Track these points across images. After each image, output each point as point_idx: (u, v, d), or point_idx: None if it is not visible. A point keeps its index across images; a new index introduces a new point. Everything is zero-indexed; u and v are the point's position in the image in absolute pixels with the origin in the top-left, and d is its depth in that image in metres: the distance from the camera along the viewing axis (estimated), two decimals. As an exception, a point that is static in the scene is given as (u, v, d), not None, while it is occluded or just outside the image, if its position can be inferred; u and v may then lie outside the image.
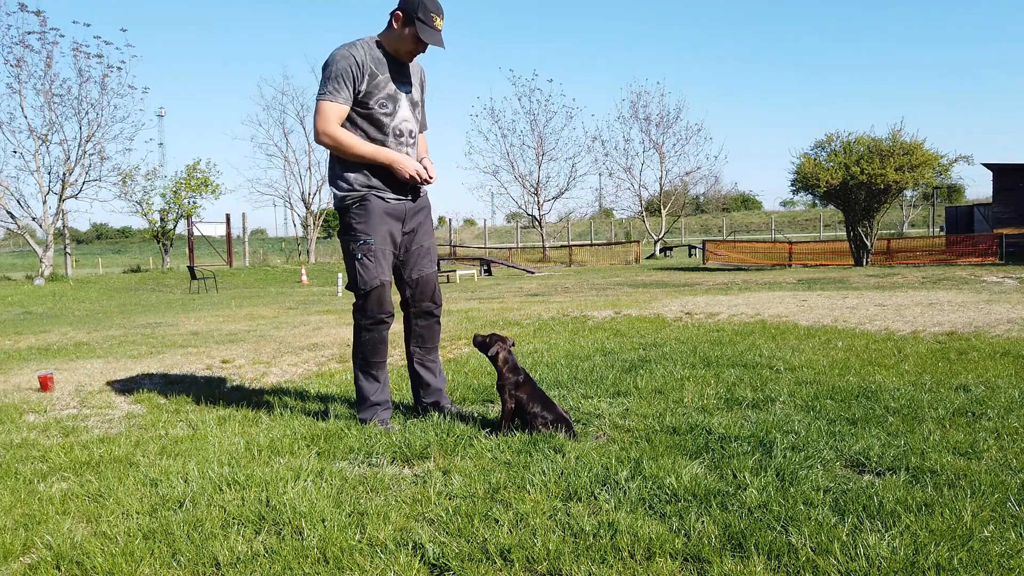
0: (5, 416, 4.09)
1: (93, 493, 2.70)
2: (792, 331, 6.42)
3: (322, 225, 36.77)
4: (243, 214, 68.88)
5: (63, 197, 25.01)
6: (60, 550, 2.18)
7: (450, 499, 2.52)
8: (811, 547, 2.04)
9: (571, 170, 39.13)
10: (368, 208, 3.47)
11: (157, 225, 30.88)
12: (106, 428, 3.80)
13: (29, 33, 23.80)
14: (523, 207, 40.14)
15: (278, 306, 12.50)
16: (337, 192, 3.52)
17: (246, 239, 31.60)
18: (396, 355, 5.54)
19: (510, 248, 38.47)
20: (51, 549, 2.20)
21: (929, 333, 6.12)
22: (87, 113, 25.26)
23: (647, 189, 41.28)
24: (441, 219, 64.70)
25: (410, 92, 3.59)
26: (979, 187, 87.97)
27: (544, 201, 38.97)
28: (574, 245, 36.19)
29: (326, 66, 3.39)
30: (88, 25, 59.40)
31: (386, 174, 3.49)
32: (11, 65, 23.76)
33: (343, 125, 3.42)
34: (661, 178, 40.41)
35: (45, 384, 4.87)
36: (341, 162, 3.49)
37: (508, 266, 27.68)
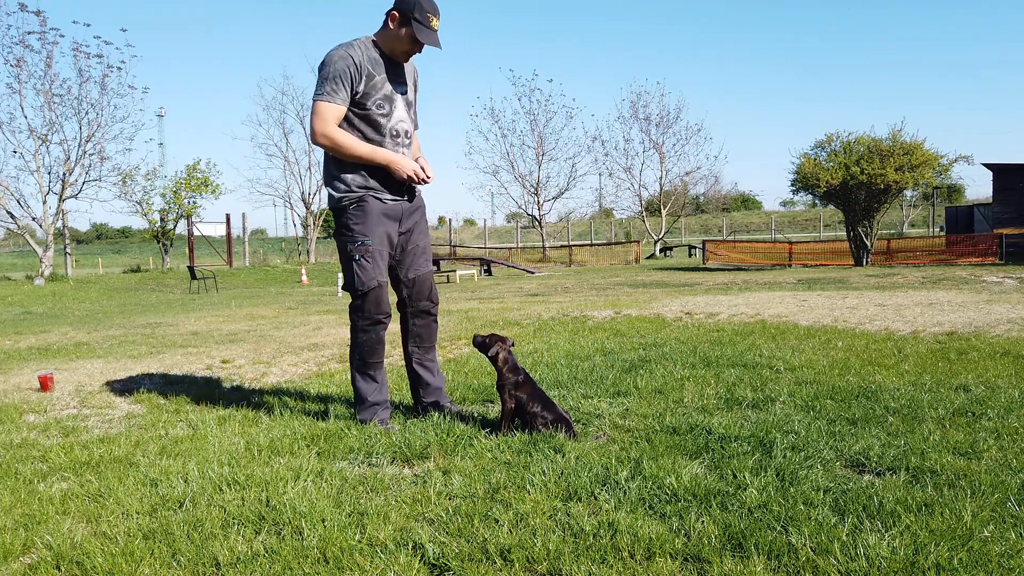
0: (5, 416, 4.09)
1: (93, 493, 2.70)
2: (792, 331, 6.42)
3: (322, 225, 36.77)
4: (243, 214, 68.95)
5: (63, 197, 25.02)
6: (60, 550, 2.18)
7: (450, 499, 2.52)
8: (811, 547, 2.04)
9: (571, 170, 39.18)
10: (366, 209, 3.47)
11: (157, 225, 30.89)
12: (106, 428, 3.80)
13: (29, 33, 23.85)
14: (523, 207, 40.16)
15: (278, 306, 12.50)
16: (334, 193, 3.50)
17: (246, 239, 31.60)
18: (396, 355, 5.54)
19: (510, 248, 38.47)
20: (51, 549, 2.20)
21: (929, 333, 6.12)
22: (87, 113, 25.31)
23: (647, 189, 41.33)
24: (441, 219, 64.73)
25: (405, 92, 3.59)
26: (979, 187, 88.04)
27: (544, 201, 38.99)
28: (574, 245, 36.19)
29: (323, 66, 3.38)
30: (88, 25, 59.47)
31: (383, 175, 3.49)
32: (11, 65, 23.82)
33: (339, 126, 3.42)
34: (661, 178, 40.42)
35: (45, 384, 4.87)
36: (337, 163, 3.49)
37: (508, 266, 27.68)
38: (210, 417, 3.83)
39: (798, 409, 3.58)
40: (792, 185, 21.00)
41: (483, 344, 3.41)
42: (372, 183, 3.48)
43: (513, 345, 3.44)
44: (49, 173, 24.95)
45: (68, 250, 25.67)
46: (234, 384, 4.93)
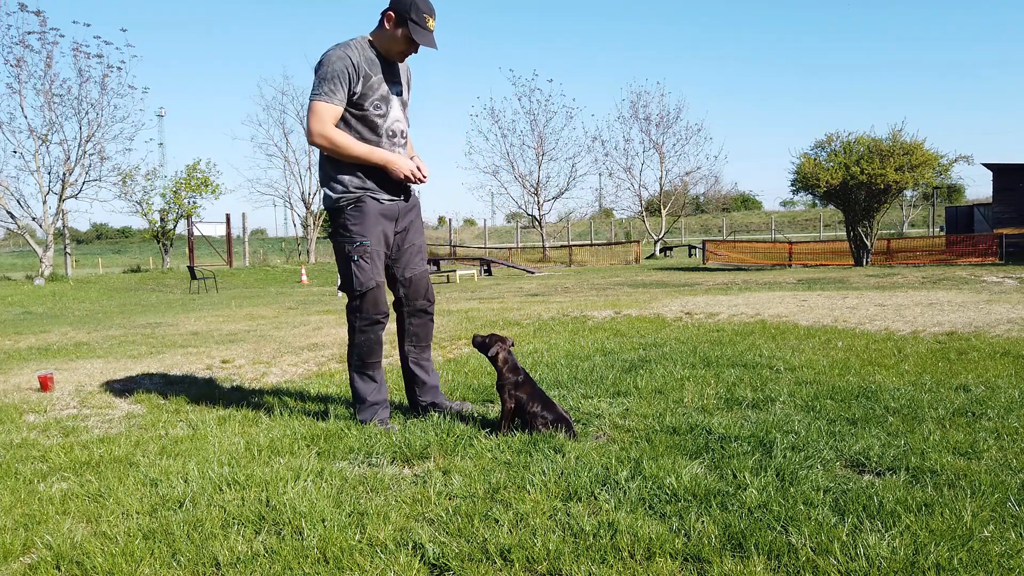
0: (5, 416, 4.09)
1: (93, 493, 2.70)
2: (792, 331, 6.42)
3: (322, 225, 36.77)
4: (243, 214, 68.92)
5: (63, 197, 25.03)
6: (60, 550, 2.19)
7: (450, 499, 2.52)
8: (811, 547, 2.04)
9: (571, 170, 39.19)
10: (363, 210, 3.47)
11: (157, 225, 30.89)
12: (106, 428, 3.80)
13: (29, 33, 23.86)
14: (523, 207, 40.17)
15: (278, 306, 12.50)
16: (331, 194, 3.49)
17: (246, 239, 31.61)
18: (394, 355, 5.53)
19: (510, 248, 38.48)
20: (51, 549, 2.20)
21: (929, 333, 6.12)
22: (87, 113, 25.32)
23: (647, 189, 41.34)
24: (441, 219, 64.71)
25: (401, 93, 3.60)
26: (979, 187, 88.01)
27: (544, 201, 39.00)
28: (574, 245, 36.20)
29: (320, 66, 3.37)
30: (88, 25, 59.54)
31: (380, 175, 3.49)
32: (11, 65, 23.84)
33: (336, 126, 3.42)
34: (661, 178, 40.43)
35: (45, 384, 4.87)
36: (334, 164, 3.48)
37: (508, 266, 27.68)
38: (210, 417, 3.83)
39: (798, 409, 3.58)
40: (792, 185, 21.01)
41: (483, 344, 3.41)
42: (369, 183, 3.48)
43: (513, 345, 3.44)
44: (49, 173, 25.00)
45: (68, 250, 25.69)
46: (234, 384, 4.93)
